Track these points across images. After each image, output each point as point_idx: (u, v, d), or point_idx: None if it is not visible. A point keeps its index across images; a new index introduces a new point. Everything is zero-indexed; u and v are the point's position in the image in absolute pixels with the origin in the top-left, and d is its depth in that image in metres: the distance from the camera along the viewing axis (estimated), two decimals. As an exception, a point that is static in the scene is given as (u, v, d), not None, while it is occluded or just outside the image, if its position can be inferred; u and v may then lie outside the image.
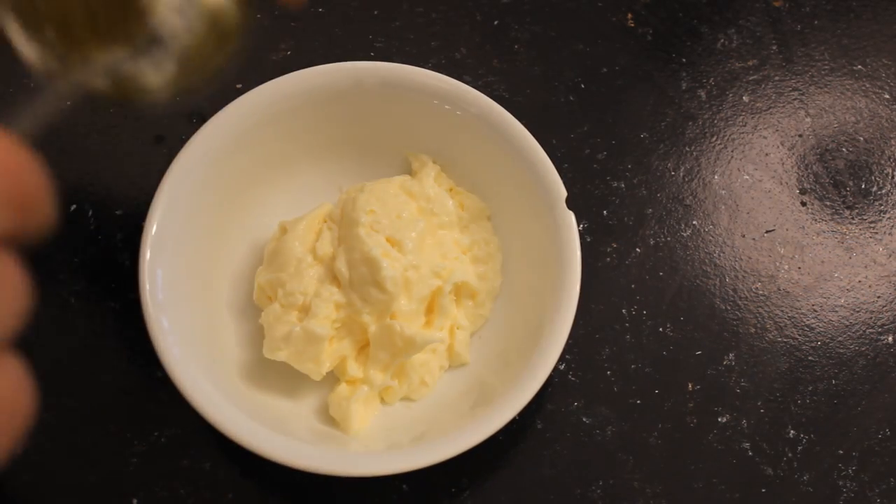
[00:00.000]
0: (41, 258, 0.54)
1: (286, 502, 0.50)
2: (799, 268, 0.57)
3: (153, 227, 0.47)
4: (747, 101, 0.61)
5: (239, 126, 0.50)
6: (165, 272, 0.47)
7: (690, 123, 0.60)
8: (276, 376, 0.49)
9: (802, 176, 0.59)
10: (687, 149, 0.60)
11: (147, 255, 0.46)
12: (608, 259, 0.56)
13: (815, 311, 0.56)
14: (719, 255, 0.57)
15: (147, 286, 0.46)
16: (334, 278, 0.49)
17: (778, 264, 0.57)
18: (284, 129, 0.52)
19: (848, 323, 0.55)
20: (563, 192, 0.49)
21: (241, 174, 0.52)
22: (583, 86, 0.61)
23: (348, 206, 0.51)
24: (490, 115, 0.51)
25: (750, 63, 0.62)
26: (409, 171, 0.55)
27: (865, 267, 0.57)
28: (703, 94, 0.61)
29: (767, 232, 0.57)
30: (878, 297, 0.56)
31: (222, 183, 0.51)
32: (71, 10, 0.35)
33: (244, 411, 0.45)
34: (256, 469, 0.49)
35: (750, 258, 0.57)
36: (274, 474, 0.50)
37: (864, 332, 0.55)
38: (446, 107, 0.51)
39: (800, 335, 0.55)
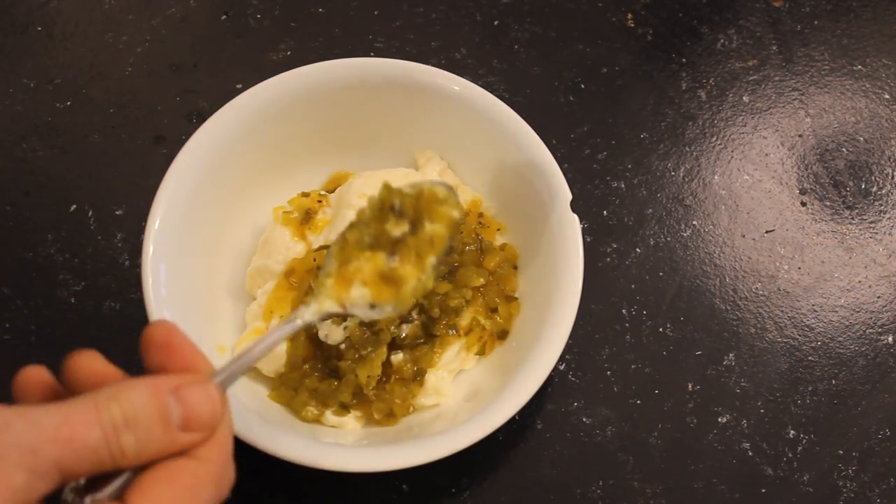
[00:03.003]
0: (41, 258, 0.55)
1: (286, 501, 0.50)
2: (799, 268, 0.57)
3: (156, 223, 0.47)
4: (747, 101, 0.61)
5: (240, 123, 0.50)
6: (168, 267, 0.47)
7: (690, 123, 0.60)
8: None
9: (802, 176, 0.59)
10: (687, 149, 0.60)
11: (150, 250, 0.46)
12: (608, 259, 0.56)
13: (815, 311, 0.56)
14: (719, 256, 0.57)
15: (150, 280, 0.46)
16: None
17: (778, 264, 0.57)
18: (287, 126, 0.52)
19: (848, 323, 0.55)
20: (569, 195, 0.49)
21: (244, 169, 0.52)
22: (583, 86, 0.61)
23: (343, 190, 0.51)
24: (496, 114, 0.51)
25: (750, 63, 0.62)
26: (416, 168, 0.54)
27: (865, 267, 0.57)
28: (703, 94, 0.61)
29: (767, 232, 0.57)
30: (878, 297, 0.56)
31: (225, 178, 0.51)
32: None
33: (244, 406, 0.45)
34: (256, 468, 0.49)
35: (750, 258, 0.57)
36: (274, 473, 0.50)
37: (864, 332, 0.55)
38: (452, 105, 0.51)
39: (800, 335, 0.55)
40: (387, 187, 0.41)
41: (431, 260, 0.40)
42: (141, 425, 0.30)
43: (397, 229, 0.40)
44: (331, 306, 0.38)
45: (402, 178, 0.52)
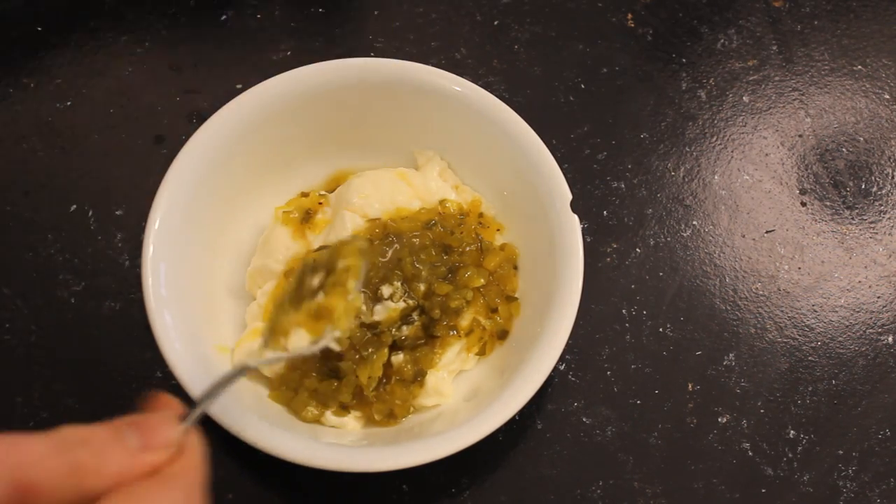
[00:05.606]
0: (41, 258, 0.55)
1: (286, 501, 0.50)
2: (799, 268, 0.57)
3: (156, 223, 0.47)
4: (747, 101, 0.61)
5: (240, 123, 0.50)
6: (168, 266, 0.47)
7: (690, 124, 0.60)
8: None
9: (802, 176, 0.59)
10: (687, 149, 0.60)
11: (150, 250, 0.46)
12: (608, 259, 0.56)
13: (815, 311, 0.56)
14: (719, 256, 0.57)
15: (150, 281, 0.45)
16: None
17: (778, 264, 0.57)
18: (287, 126, 0.52)
19: (848, 323, 0.55)
20: (569, 195, 0.49)
21: (244, 169, 0.52)
22: (583, 86, 0.61)
23: (342, 189, 0.51)
24: (497, 114, 0.51)
25: (750, 63, 0.62)
26: (416, 167, 0.54)
27: (865, 267, 0.57)
28: (703, 94, 0.61)
29: (767, 232, 0.57)
30: (878, 297, 0.56)
31: (225, 178, 0.51)
32: None
33: (244, 406, 0.45)
34: (256, 468, 0.49)
35: (750, 258, 0.57)
36: (274, 474, 0.50)
37: (864, 332, 0.55)
38: (452, 105, 0.51)
39: (800, 335, 0.55)
40: (305, 258, 0.45)
41: (352, 283, 0.43)
42: (95, 443, 0.31)
43: (315, 279, 0.43)
44: (274, 353, 0.41)
45: (398, 176, 0.52)
